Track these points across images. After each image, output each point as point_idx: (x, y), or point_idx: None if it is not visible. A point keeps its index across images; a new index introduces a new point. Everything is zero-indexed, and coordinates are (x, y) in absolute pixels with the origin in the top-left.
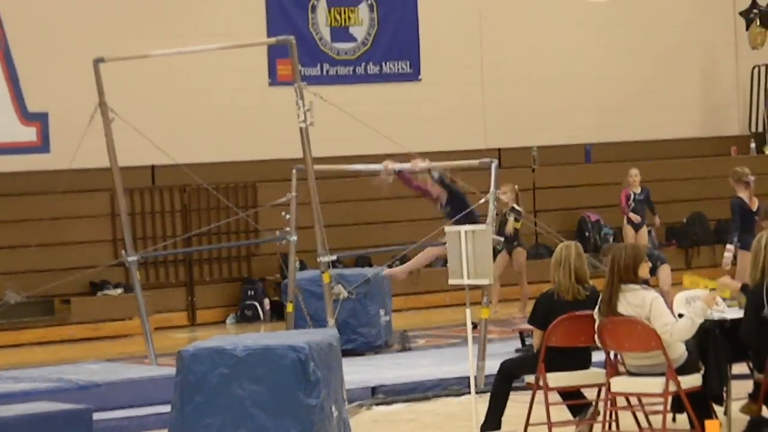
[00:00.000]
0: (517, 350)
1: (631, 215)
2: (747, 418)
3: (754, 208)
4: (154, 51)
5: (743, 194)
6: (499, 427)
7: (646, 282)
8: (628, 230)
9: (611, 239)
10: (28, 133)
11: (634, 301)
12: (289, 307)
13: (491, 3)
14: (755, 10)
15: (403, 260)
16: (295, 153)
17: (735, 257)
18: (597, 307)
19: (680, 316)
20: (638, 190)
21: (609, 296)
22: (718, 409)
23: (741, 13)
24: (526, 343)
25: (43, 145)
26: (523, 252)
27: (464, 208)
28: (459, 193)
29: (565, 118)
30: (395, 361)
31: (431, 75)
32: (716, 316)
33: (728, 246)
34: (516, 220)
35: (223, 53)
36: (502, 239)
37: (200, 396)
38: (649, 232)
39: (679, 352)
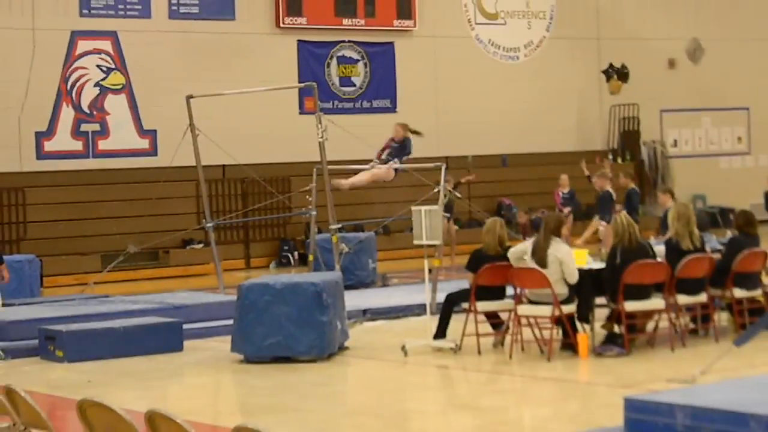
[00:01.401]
0: None
1: (561, 207)
2: (604, 332)
3: (614, 196)
4: (225, 91)
5: (608, 187)
6: (444, 337)
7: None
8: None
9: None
10: (144, 143)
11: (556, 248)
12: (311, 258)
13: (443, 63)
14: (606, 71)
15: (385, 229)
16: (315, 158)
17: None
18: (531, 251)
19: None
20: (566, 189)
21: (543, 244)
22: (587, 328)
23: (602, 71)
24: None
25: (153, 151)
26: (453, 224)
27: (403, 153)
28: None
29: (490, 136)
30: (378, 293)
31: (404, 108)
32: (586, 266)
33: (603, 222)
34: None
35: (269, 92)
36: (449, 214)
37: (252, 314)
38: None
39: (563, 291)
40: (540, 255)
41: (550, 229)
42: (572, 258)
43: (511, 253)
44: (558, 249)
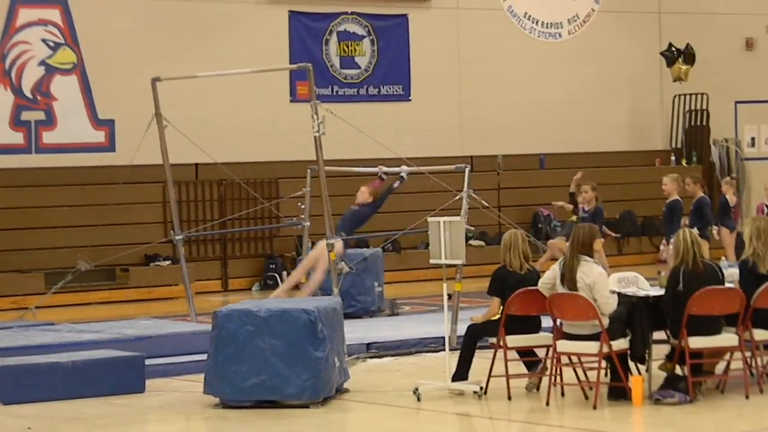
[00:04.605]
0: None
1: None
2: (663, 374)
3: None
4: (200, 73)
5: (676, 195)
6: (466, 378)
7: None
8: None
9: (558, 230)
10: (99, 136)
11: (586, 270)
12: (303, 279)
13: (467, 42)
14: (667, 52)
15: (395, 244)
16: (310, 156)
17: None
18: (560, 275)
19: (612, 292)
20: None
21: (571, 266)
22: (642, 369)
23: (661, 53)
24: None
25: (110, 146)
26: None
27: (366, 218)
28: (376, 208)
29: (524, 132)
30: (386, 323)
31: (419, 96)
32: (641, 293)
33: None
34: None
35: (254, 75)
36: (473, 228)
37: (230, 348)
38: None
39: (606, 321)
40: (570, 278)
41: (579, 245)
42: (605, 282)
43: (542, 284)
44: (588, 271)
